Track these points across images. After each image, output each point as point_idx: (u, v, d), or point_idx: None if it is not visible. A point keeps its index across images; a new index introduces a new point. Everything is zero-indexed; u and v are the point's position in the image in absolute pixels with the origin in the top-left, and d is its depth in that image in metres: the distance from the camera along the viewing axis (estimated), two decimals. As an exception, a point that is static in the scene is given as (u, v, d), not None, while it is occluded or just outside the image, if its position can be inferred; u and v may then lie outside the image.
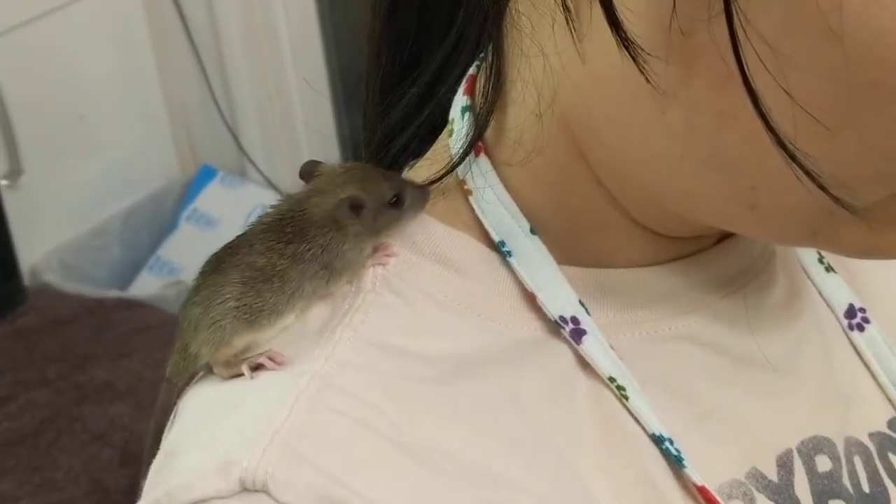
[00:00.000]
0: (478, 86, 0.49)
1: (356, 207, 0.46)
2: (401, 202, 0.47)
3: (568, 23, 0.43)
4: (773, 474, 0.50)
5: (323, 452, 0.42)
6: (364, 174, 0.48)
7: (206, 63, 2.03)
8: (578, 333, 0.47)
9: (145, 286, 1.99)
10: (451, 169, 0.49)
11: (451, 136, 0.50)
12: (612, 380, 0.47)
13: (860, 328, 0.55)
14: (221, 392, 0.46)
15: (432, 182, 0.49)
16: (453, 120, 0.50)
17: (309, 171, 0.48)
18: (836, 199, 0.40)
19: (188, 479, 0.42)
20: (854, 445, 0.53)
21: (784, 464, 0.50)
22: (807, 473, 0.50)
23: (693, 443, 0.48)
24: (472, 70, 0.50)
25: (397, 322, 0.46)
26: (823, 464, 0.51)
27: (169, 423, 0.47)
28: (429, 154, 0.52)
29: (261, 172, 2.06)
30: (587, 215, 0.49)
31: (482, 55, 0.49)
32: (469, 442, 0.44)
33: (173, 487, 0.42)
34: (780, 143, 0.39)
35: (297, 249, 0.46)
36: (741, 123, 0.40)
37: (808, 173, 0.39)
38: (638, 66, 0.40)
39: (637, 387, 0.47)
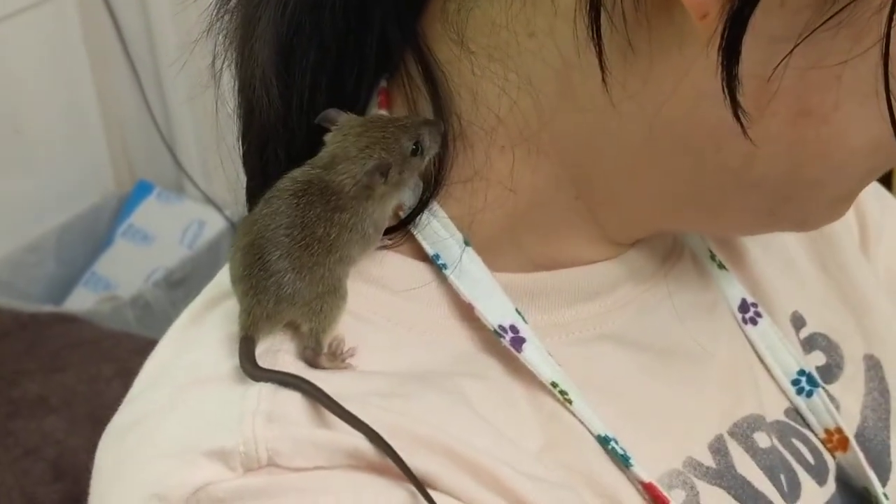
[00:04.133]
0: (399, 102, 0.50)
1: (384, 172, 0.46)
2: (421, 149, 0.47)
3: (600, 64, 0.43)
4: (709, 461, 0.51)
5: (305, 411, 0.43)
6: (384, 130, 0.47)
7: (142, 77, 2.02)
8: (518, 342, 0.48)
9: (80, 301, 1.97)
10: (410, 218, 0.48)
11: None
12: (554, 385, 0.48)
13: (753, 322, 0.57)
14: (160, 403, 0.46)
15: (404, 223, 0.49)
16: None
17: (330, 119, 0.48)
18: None
19: (175, 473, 0.42)
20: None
21: (718, 449, 0.52)
22: (747, 451, 0.52)
23: (628, 439, 0.49)
24: (382, 83, 0.51)
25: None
26: (763, 440, 0.53)
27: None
28: None
29: (198, 188, 2.06)
30: (550, 229, 0.50)
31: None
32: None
33: (163, 486, 0.42)
34: None
35: (342, 217, 0.46)
36: (820, 148, 0.44)
37: None
38: (738, 120, 0.42)
39: (577, 390, 0.48)
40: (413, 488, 0.42)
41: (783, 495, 0.52)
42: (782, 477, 0.53)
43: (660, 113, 0.44)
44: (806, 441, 0.56)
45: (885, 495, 0.55)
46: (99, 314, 1.81)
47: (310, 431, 0.42)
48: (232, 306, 0.47)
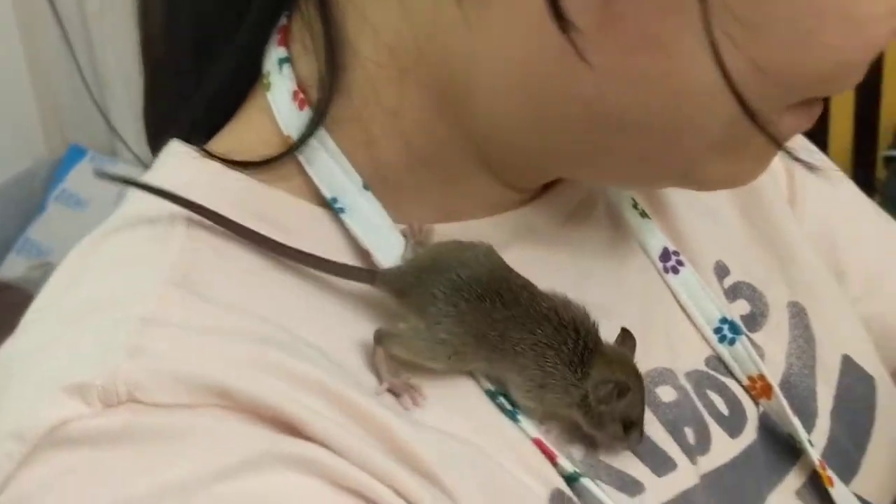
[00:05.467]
0: (297, 38, 0.49)
1: (620, 395, 0.47)
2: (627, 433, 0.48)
3: None
4: None
5: (174, 348, 0.41)
6: (638, 380, 0.48)
7: (73, 40, 1.98)
8: None
9: (12, 268, 1.94)
10: (297, 145, 0.48)
11: (268, 90, 0.49)
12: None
13: (675, 271, 0.57)
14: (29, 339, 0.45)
15: (275, 158, 0.48)
16: (269, 73, 0.49)
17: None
18: (761, 127, 0.42)
19: (33, 410, 0.40)
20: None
21: None
22: (650, 406, 0.51)
23: (524, 400, 0.48)
24: (283, 20, 0.50)
25: (222, 283, 0.45)
26: (667, 394, 0.52)
27: None
28: (244, 113, 0.51)
29: (132, 151, 2.02)
30: (445, 172, 0.49)
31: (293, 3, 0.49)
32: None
33: (19, 425, 0.40)
34: (738, 97, 0.41)
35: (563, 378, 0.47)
36: (665, 81, 0.42)
37: (749, 112, 0.41)
38: (569, 40, 0.40)
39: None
40: (290, 438, 0.40)
41: (685, 449, 0.51)
42: (688, 430, 0.52)
43: (511, 41, 0.43)
44: (723, 391, 0.55)
45: (810, 441, 0.55)
46: (31, 281, 1.78)
47: (175, 366, 0.41)
48: (127, 238, 0.46)
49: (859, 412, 0.60)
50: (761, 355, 0.58)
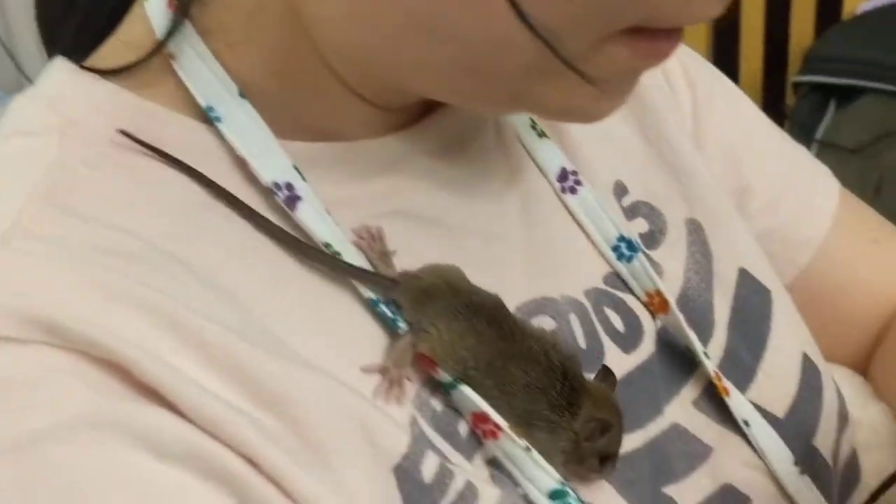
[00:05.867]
0: None
1: (603, 432, 0.48)
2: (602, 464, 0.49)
3: None
4: None
5: (7, 278, 0.40)
6: (619, 416, 0.50)
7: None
8: (293, 200, 0.47)
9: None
10: (161, 44, 0.47)
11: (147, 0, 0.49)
12: (327, 246, 0.47)
13: (573, 191, 0.57)
14: None
15: (142, 60, 0.47)
16: None
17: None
18: (554, 51, 0.41)
19: None
20: (570, 304, 0.55)
21: None
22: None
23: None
24: None
25: (90, 197, 0.45)
26: (545, 325, 0.53)
27: None
28: (126, 24, 0.50)
29: (40, 91, 1.98)
30: (306, 85, 0.49)
31: None
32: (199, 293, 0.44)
33: None
34: (524, 21, 0.40)
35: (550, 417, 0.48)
36: None
37: (532, 27, 0.40)
38: None
39: (354, 253, 0.48)
40: (113, 396, 0.39)
41: None
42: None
43: None
44: (620, 307, 0.56)
45: (706, 354, 0.57)
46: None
47: (6, 296, 0.40)
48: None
49: (755, 323, 0.61)
50: (660, 272, 0.60)
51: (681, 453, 0.55)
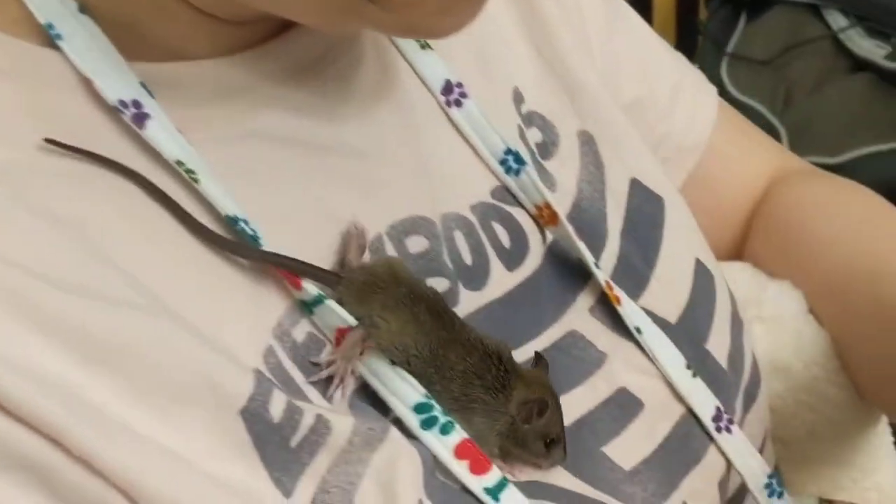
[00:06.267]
0: None
1: (541, 413, 0.49)
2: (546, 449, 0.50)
3: None
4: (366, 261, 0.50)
5: None
6: (555, 398, 0.50)
7: None
8: (141, 118, 0.46)
9: None
10: None
11: None
12: (180, 163, 0.46)
13: (458, 104, 0.57)
14: None
15: None
16: None
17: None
18: None
19: None
20: (454, 220, 0.54)
21: (376, 249, 0.51)
22: (399, 256, 0.51)
23: (277, 240, 0.47)
24: None
25: None
26: (417, 244, 0.52)
27: None
28: None
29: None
30: (148, 2, 0.47)
31: None
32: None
33: None
34: None
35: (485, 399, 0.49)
36: None
37: None
38: None
39: (209, 171, 0.46)
40: None
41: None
42: (431, 282, 0.51)
43: None
44: (508, 222, 0.56)
45: (597, 264, 0.57)
46: None
47: None
48: None
49: (648, 231, 0.61)
50: (553, 183, 0.59)
51: (578, 359, 0.55)
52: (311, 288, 0.46)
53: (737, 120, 0.75)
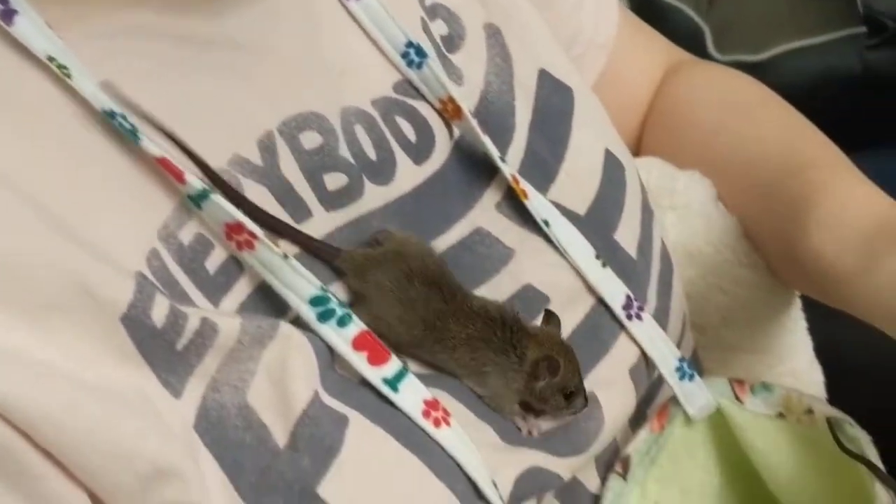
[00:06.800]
0: None
1: (553, 371, 0.50)
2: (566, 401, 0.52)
3: None
4: (256, 158, 0.49)
5: None
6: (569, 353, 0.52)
7: None
8: (8, 14, 0.44)
9: None
10: None
11: None
12: (51, 59, 0.44)
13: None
14: None
15: None
16: None
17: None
18: None
19: None
20: (354, 115, 0.53)
21: (267, 147, 0.49)
22: (292, 153, 0.50)
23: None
24: None
25: None
26: (311, 140, 0.51)
27: None
28: None
29: None
30: None
31: None
32: None
33: None
34: None
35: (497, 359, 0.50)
36: None
37: None
38: None
39: (81, 66, 0.44)
40: None
41: (321, 197, 0.50)
42: (328, 177, 0.51)
43: None
44: (412, 116, 0.55)
45: (503, 158, 0.56)
46: None
47: None
48: None
49: (556, 123, 0.61)
50: (461, 76, 0.58)
51: (484, 256, 0.55)
52: (195, 182, 0.45)
53: (630, 16, 0.76)
